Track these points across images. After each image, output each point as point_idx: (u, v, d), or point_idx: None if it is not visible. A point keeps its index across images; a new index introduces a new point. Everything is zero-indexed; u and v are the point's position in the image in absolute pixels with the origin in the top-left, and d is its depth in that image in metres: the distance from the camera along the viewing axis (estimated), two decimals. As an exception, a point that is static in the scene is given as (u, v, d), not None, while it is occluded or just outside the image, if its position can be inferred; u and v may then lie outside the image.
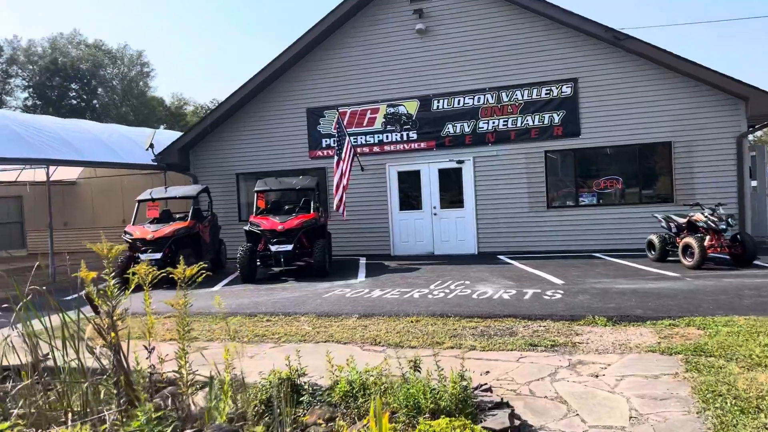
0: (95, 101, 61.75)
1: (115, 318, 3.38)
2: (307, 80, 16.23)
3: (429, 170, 15.41)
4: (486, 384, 5.04)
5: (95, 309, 3.48)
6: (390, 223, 15.68)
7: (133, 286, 3.80)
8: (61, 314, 3.89)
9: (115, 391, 3.37)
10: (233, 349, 7.31)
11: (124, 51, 66.48)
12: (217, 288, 11.94)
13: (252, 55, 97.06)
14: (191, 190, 14.16)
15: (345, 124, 15.00)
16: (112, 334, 3.34)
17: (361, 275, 12.43)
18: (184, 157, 16.95)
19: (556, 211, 14.64)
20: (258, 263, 12.73)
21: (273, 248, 12.34)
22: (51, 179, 21.19)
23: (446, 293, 9.84)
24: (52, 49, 60.46)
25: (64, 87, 59.47)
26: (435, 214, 15.34)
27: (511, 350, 6.41)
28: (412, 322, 7.98)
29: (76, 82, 60.08)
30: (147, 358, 3.98)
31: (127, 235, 12.76)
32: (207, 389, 4.67)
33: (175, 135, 17.59)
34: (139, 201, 13.78)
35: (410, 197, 15.70)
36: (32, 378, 3.76)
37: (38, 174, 20.70)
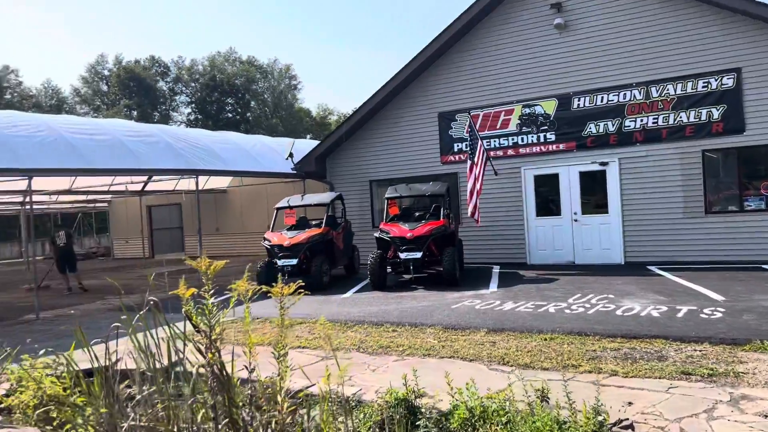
0: (248, 114, 66.21)
1: (213, 337, 3.25)
2: (439, 84, 15.95)
3: (569, 173, 14.45)
4: (627, 420, 4.39)
5: (194, 327, 3.39)
6: (525, 229, 14.92)
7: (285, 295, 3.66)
8: (184, 322, 3.87)
9: (212, 415, 3.25)
10: (357, 360, 7.21)
11: (274, 65, 70.74)
12: (348, 294, 11.99)
13: (393, 64, 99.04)
14: (325, 197, 14.43)
15: (477, 127, 14.50)
16: (210, 355, 3.21)
17: (493, 285, 11.87)
18: (321, 165, 17.38)
19: (715, 217, 13.06)
20: (389, 270, 12.64)
21: (402, 256, 12.17)
22: (204, 188, 22.84)
23: (586, 308, 9.04)
24: (211, 66, 65.76)
25: (221, 102, 64.46)
26: (575, 221, 14.35)
27: (660, 378, 5.63)
28: (545, 339, 7.36)
29: (231, 96, 64.86)
30: (250, 372, 3.85)
31: (266, 242, 13.23)
32: (319, 407, 4.49)
33: (313, 144, 18.14)
34: (277, 208, 14.27)
35: (548, 202, 14.83)
36: (142, 386, 3.77)
37: (193, 183, 22.37)
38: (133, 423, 3.67)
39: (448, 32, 15.19)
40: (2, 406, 5.03)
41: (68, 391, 4.67)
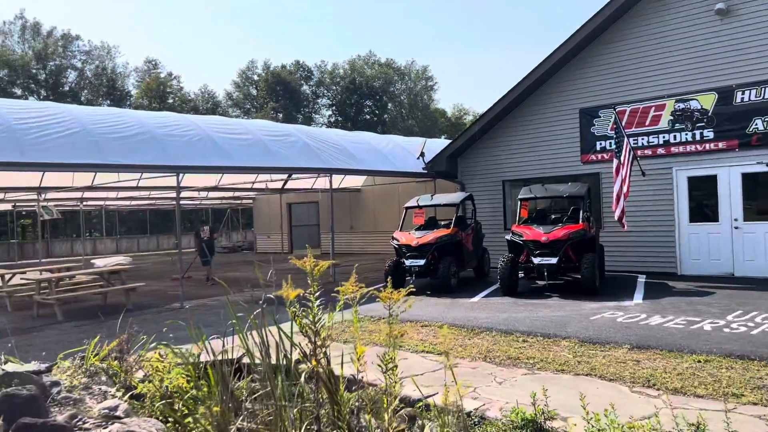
0: (385, 115, 67.37)
1: (318, 343, 3.03)
2: (579, 79, 14.95)
3: (729, 175, 12.91)
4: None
5: (300, 331, 3.19)
6: (676, 236, 13.54)
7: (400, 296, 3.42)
8: (291, 323, 3.72)
9: (315, 428, 3.03)
10: (482, 370, 6.78)
11: (411, 67, 71.39)
12: (476, 299, 11.53)
13: (529, 61, 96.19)
14: (455, 197, 14.06)
15: (624, 124, 13.37)
16: (314, 362, 2.99)
17: (638, 296, 10.84)
18: (452, 165, 17.03)
19: None
20: (520, 275, 12.01)
21: (536, 260, 11.49)
22: (339, 186, 23.35)
23: (749, 327, 7.91)
24: (351, 70, 67.71)
25: (359, 104, 66.18)
26: (736, 228, 12.78)
27: None
28: (699, 361, 6.48)
29: (370, 98, 66.35)
30: (359, 382, 3.60)
31: (395, 241, 13.12)
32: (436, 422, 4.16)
33: (445, 143, 17.85)
34: (407, 208, 14.12)
35: (703, 207, 13.34)
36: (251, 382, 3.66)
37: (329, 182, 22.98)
38: (240, 425, 3.57)
39: (591, 23, 14.18)
40: (136, 392, 5.21)
41: (191, 384, 4.72)
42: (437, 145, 19.44)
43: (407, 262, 12.58)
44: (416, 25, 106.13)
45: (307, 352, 3.09)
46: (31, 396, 3.75)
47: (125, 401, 4.93)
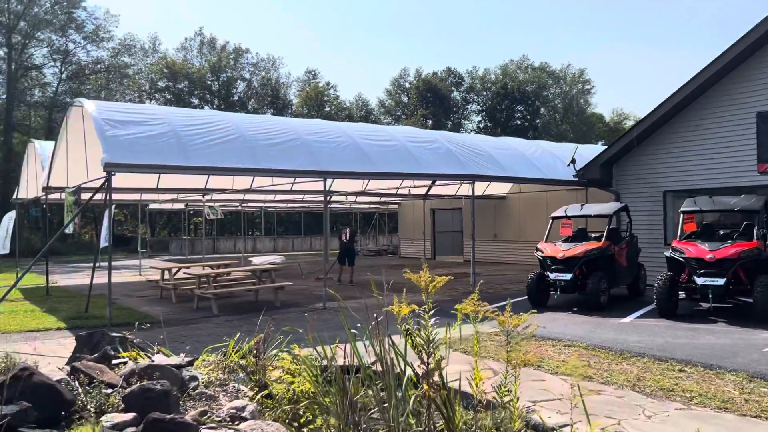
0: (537, 121, 65.40)
1: (431, 366, 2.82)
2: (758, 79, 13.28)
3: None
4: None
5: (414, 349, 3.00)
6: None
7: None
8: (403, 340, 3.55)
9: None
10: (630, 400, 6.15)
11: (566, 70, 68.73)
12: (628, 319, 10.63)
13: (696, 63, 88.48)
14: (608, 208, 13.11)
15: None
16: (425, 386, 2.78)
17: (827, 328, 9.35)
18: (606, 173, 15.94)
19: None
20: (680, 296, 10.89)
21: (699, 281, 10.34)
22: (483, 193, 22.90)
23: None
24: (503, 75, 66.57)
25: (510, 109, 64.84)
26: None
27: None
28: None
29: (521, 103, 64.78)
30: (475, 406, 3.32)
31: (539, 253, 12.51)
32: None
33: (599, 150, 16.76)
34: (553, 218, 13.42)
35: None
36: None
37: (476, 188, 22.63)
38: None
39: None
40: (267, 392, 5.34)
41: (318, 389, 4.72)
42: (591, 151, 18.35)
43: (552, 276, 11.93)
44: (573, 27, 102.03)
45: (421, 372, 2.89)
46: (164, 392, 3.93)
47: (255, 401, 5.06)
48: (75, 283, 19.11)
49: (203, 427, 4.19)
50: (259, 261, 21.41)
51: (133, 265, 25.15)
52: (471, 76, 67.68)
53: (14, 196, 21.68)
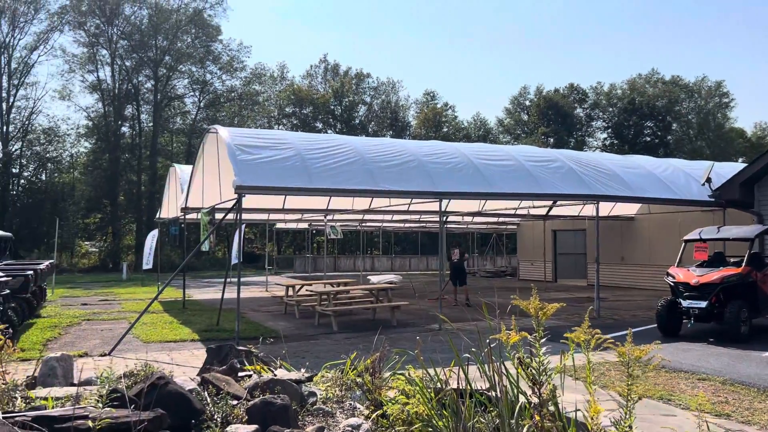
0: (668, 137, 61.69)
1: (543, 396, 2.74)
2: None
3: None
4: None
5: (527, 379, 2.92)
6: None
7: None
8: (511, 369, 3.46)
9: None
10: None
11: (701, 83, 64.44)
12: (772, 353, 9.67)
13: None
14: (749, 231, 12.04)
15: None
16: (537, 417, 2.70)
17: None
18: (746, 193, 14.66)
19: None
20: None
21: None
22: (609, 214, 21.89)
23: None
24: (631, 90, 63.58)
25: (639, 125, 61.65)
26: None
27: None
28: None
29: (651, 119, 61.44)
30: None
31: (670, 278, 11.73)
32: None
33: (737, 168, 15.46)
34: (686, 241, 12.54)
35: None
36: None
37: (601, 209, 21.68)
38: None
39: None
40: (381, 411, 5.40)
41: (432, 412, 4.71)
42: (729, 169, 16.98)
43: (684, 303, 11.12)
44: (708, 38, 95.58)
45: (534, 401, 2.81)
46: (284, 406, 4.10)
47: (370, 420, 5.14)
48: (208, 297, 20.46)
49: (320, 442, 4.32)
50: (377, 279, 21.80)
51: (260, 281, 26.50)
52: (595, 92, 65.27)
53: (157, 216, 23.69)
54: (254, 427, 3.94)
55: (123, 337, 10.70)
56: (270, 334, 11.68)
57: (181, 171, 18.87)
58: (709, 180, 14.95)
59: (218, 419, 4.31)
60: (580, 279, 25.13)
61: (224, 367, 5.67)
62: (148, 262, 25.14)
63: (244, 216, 22.50)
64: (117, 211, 44.84)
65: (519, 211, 21.58)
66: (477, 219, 27.24)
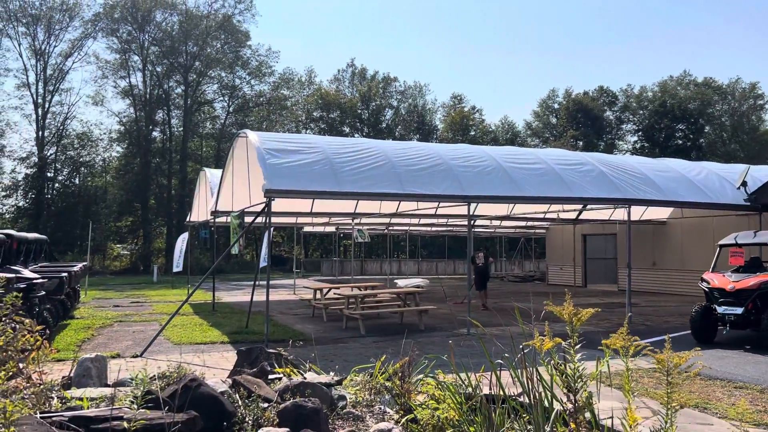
0: (701, 140, 60.53)
1: (579, 403, 2.68)
2: None
3: None
4: None
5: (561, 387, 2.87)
6: None
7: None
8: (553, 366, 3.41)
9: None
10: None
11: (735, 85, 63.07)
12: (814, 362, 9.38)
13: None
14: (789, 235, 11.75)
15: None
16: (572, 425, 2.65)
17: None
18: (784, 196, 14.32)
19: None
20: None
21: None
22: (640, 218, 21.53)
23: None
24: (662, 92, 62.53)
25: (670, 128, 60.56)
26: None
27: None
28: None
29: (682, 122, 60.32)
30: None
31: (704, 283, 11.48)
32: None
33: (774, 170, 15.13)
34: (721, 245, 12.26)
35: None
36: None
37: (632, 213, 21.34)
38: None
39: None
40: (411, 416, 5.38)
41: (462, 417, 4.67)
42: (765, 172, 16.58)
43: (719, 310, 10.87)
44: (741, 38, 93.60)
45: (569, 408, 2.76)
46: (315, 409, 4.10)
47: (400, 425, 5.12)
48: (237, 299, 20.65)
49: (350, 446, 4.31)
50: (404, 283, 21.77)
51: (288, 284, 26.68)
52: (626, 95, 64.35)
53: (187, 219, 24.00)
54: (285, 430, 3.94)
55: (154, 338, 10.85)
56: (298, 337, 11.75)
57: (211, 175, 19.11)
58: (744, 183, 14.62)
59: (249, 422, 4.33)
60: (611, 284, 24.75)
61: (255, 369, 5.71)
62: (178, 265, 25.48)
63: (273, 219, 22.71)
64: (148, 215, 45.60)
65: (548, 215, 21.34)
66: (505, 223, 27.02)
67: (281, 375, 6.09)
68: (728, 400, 7.26)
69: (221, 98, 50.77)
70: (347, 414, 5.20)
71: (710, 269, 11.96)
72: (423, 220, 25.31)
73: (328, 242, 47.62)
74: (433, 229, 31.30)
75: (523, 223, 27.28)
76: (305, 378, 5.95)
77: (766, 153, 57.48)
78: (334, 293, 15.76)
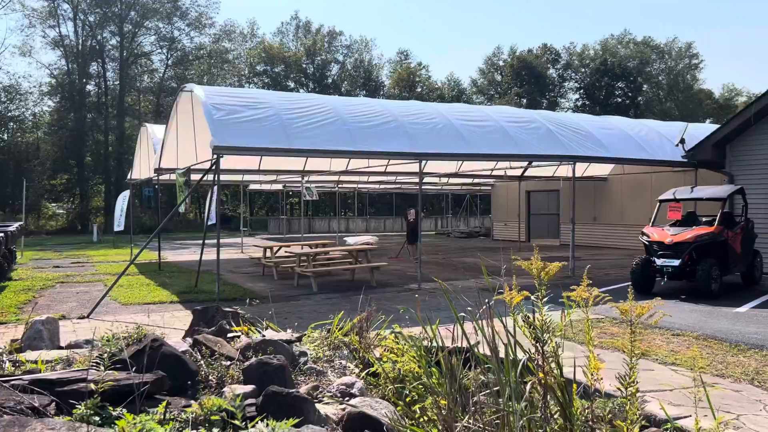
0: (639, 98, 62.29)
1: (547, 353, 2.78)
2: None
3: None
4: None
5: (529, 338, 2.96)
6: None
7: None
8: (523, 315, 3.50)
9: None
10: (748, 394, 5.79)
11: (672, 45, 64.88)
12: (743, 309, 10.01)
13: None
14: (721, 191, 12.31)
15: None
16: (541, 374, 2.74)
17: None
18: (719, 154, 14.94)
19: None
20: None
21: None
22: (583, 175, 22.14)
23: None
24: (603, 50, 63.74)
25: (610, 86, 62.04)
26: None
27: None
28: None
29: (622, 80, 61.81)
30: (591, 394, 3.24)
31: (644, 237, 11.97)
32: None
33: (711, 129, 15.70)
34: (661, 201, 12.77)
35: None
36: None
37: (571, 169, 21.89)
38: (467, 424, 3.47)
39: None
40: (372, 370, 5.46)
41: (422, 370, 4.77)
42: (702, 131, 17.23)
43: (658, 262, 11.39)
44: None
45: (536, 359, 2.86)
46: (280, 366, 4.10)
47: (362, 379, 5.20)
48: (183, 259, 20.28)
49: (316, 402, 4.35)
50: (354, 241, 21.80)
51: (235, 243, 26.33)
52: (568, 53, 65.29)
53: (128, 177, 23.20)
54: (252, 387, 3.93)
55: (101, 299, 10.57)
56: (250, 295, 11.67)
57: (152, 131, 18.43)
58: (683, 141, 15.17)
59: (213, 380, 4.30)
60: (553, 239, 25.53)
61: (213, 328, 5.64)
62: (119, 224, 24.73)
63: (222, 177, 22.22)
64: (84, 172, 43.84)
65: (495, 172, 21.67)
66: (452, 180, 27.30)
67: (239, 333, 6.05)
68: (667, 346, 7.66)
69: (159, 50, 48.75)
70: (309, 369, 5.23)
71: (650, 223, 12.46)
72: (372, 178, 25.27)
73: (274, 200, 47.09)
74: (382, 186, 31.34)
75: (469, 180, 27.64)
76: (264, 336, 5.93)
77: (698, 111, 59.72)
78: (285, 251, 15.64)
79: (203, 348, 4.74)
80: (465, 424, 3.46)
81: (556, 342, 2.96)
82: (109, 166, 43.93)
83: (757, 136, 14.42)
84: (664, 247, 11.36)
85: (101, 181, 45.67)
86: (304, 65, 55.99)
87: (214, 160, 10.77)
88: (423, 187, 28.87)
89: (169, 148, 15.52)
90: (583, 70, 64.44)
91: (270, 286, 13.55)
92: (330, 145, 11.87)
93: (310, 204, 39.51)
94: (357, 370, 5.53)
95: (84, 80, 44.27)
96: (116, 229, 24.99)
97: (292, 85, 55.20)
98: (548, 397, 2.80)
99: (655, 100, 63.73)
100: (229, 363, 4.69)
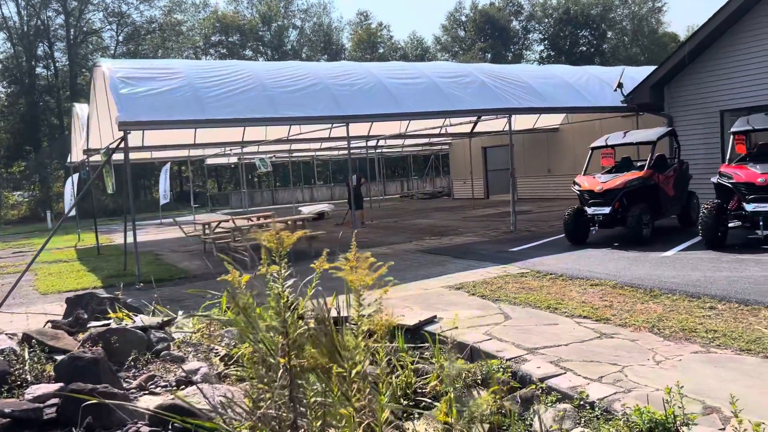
0: (604, 45, 61.79)
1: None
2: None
3: None
4: None
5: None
6: None
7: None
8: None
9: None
10: (643, 343, 5.60)
11: (635, -11, 64.09)
12: (670, 253, 9.85)
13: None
14: (651, 134, 12.06)
15: None
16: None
17: None
18: (657, 96, 14.65)
19: None
20: (731, 225, 9.94)
21: (749, 207, 9.38)
22: (535, 126, 21.83)
23: None
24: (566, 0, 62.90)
25: (574, 35, 61.40)
26: None
27: None
28: None
29: (586, 28, 61.16)
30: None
31: (576, 186, 11.73)
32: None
33: (649, 71, 15.39)
34: (593, 148, 12.51)
35: None
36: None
37: (526, 122, 21.49)
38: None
39: None
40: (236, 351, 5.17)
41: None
42: (643, 73, 16.91)
43: (589, 211, 11.18)
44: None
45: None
46: (93, 360, 3.77)
47: (216, 364, 4.90)
48: (130, 241, 19.79)
49: (145, 393, 4.04)
50: (308, 210, 21.44)
51: (190, 221, 25.83)
52: (531, 3, 64.34)
53: (68, 160, 22.49)
54: (58, 385, 3.62)
55: (11, 290, 10.14)
56: (180, 275, 11.34)
57: (81, 110, 17.72)
58: (621, 85, 14.84)
59: (29, 379, 3.97)
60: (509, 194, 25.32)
61: (70, 319, 5.30)
62: (72, 210, 24.03)
63: (154, 154, 21.55)
64: (42, 158, 42.70)
65: (444, 130, 21.28)
66: (409, 142, 26.89)
67: (110, 321, 5.72)
68: (580, 298, 7.46)
69: (109, 27, 47.17)
70: (166, 356, 4.92)
71: (583, 172, 12.21)
72: (326, 144, 24.75)
73: (236, 173, 46.37)
74: (340, 153, 30.83)
75: (426, 141, 27.22)
76: (134, 322, 5.61)
77: (664, 55, 59.30)
78: (222, 226, 15.24)
79: (34, 343, 4.40)
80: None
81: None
82: (66, 150, 42.77)
83: (693, 75, 14.13)
84: (595, 195, 11.13)
85: (60, 166, 44.58)
86: (260, 33, 54.60)
87: (121, 137, 10.28)
88: (379, 149, 28.43)
89: (94, 127, 14.91)
90: (546, 20, 63.63)
91: (205, 264, 13.18)
92: (247, 113, 11.39)
93: (275, 175, 38.91)
94: (224, 352, 5.25)
95: (33, 63, 42.77)
96: (71, 214, 24.35)
97: (250, 54, 53.89)
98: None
99: (621, 46, 63.26)
100: (61, 358, 4.36)
